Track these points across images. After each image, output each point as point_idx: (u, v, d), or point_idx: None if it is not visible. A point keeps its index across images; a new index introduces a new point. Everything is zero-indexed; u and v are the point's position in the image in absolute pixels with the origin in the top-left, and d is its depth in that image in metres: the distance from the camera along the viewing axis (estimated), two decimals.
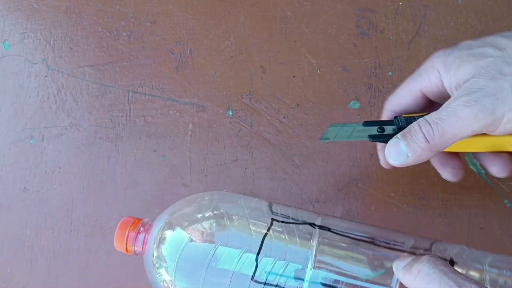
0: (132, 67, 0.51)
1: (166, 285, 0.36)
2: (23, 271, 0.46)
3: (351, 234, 0.36)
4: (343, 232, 0.36)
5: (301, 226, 0.36)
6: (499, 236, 0.44)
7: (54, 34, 0.53)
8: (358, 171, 0.46)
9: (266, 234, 0.35)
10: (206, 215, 0.36)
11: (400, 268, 0.32)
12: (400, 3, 0.50)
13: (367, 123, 0.36)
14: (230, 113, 0.49)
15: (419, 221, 0.44)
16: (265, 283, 0.33)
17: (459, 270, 0.33)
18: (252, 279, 0.34)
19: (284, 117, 0.48)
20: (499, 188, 0.45)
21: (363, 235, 0.36)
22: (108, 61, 0.51)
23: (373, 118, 0.47)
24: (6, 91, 0.51)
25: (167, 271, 0.35)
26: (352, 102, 0.48)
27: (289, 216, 0.37)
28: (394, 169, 0.36)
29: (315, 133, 0.47)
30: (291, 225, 0.36)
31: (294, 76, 0.49)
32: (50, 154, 0.49)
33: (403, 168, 0.35)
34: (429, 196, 0.45)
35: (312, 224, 0.36)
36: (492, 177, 0.45)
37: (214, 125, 0.49)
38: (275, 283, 0.34)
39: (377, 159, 0.43)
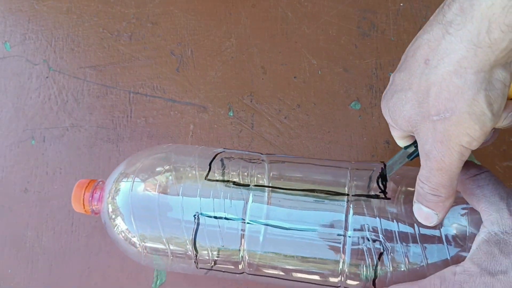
0: (133, 68, 0.51)
1: (124, 235, 0.38)
2: (24, 272, 0.46)
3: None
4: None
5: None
6: None
7: (55, 35, 0.53)
8: None
9: (206, 175, 0.38)
10: (158, 169, 0.38)
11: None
12: (401, 4, 0.50)
13: (407, 146, 0.35)
14: (231, 114, 0.49)
15: None
16: (215, 217, 0.36)
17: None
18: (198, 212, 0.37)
19: (285, 118, 0.48)
20: None
21: (309, 186, 0.37)
22: (109, 62, 0.51)
23: (374, 119, 0.47)
24: (7, 92, 0.51)
25: (123, 220, 0.38)
26: (353, 103, 0.48)
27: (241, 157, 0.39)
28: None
29: (316, 134, 0.47)
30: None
31: (295, 77, 0.49)
32: (51, 155, 0.49)
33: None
34: None
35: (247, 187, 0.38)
36: None
37: (215, 126, 0.49)
38: (224, 216, 0.36)
39: (378, 159, 0.43)
